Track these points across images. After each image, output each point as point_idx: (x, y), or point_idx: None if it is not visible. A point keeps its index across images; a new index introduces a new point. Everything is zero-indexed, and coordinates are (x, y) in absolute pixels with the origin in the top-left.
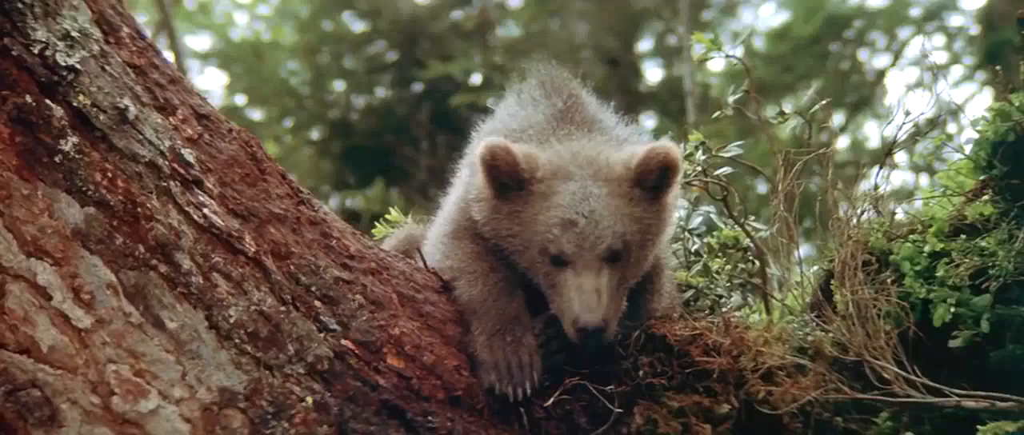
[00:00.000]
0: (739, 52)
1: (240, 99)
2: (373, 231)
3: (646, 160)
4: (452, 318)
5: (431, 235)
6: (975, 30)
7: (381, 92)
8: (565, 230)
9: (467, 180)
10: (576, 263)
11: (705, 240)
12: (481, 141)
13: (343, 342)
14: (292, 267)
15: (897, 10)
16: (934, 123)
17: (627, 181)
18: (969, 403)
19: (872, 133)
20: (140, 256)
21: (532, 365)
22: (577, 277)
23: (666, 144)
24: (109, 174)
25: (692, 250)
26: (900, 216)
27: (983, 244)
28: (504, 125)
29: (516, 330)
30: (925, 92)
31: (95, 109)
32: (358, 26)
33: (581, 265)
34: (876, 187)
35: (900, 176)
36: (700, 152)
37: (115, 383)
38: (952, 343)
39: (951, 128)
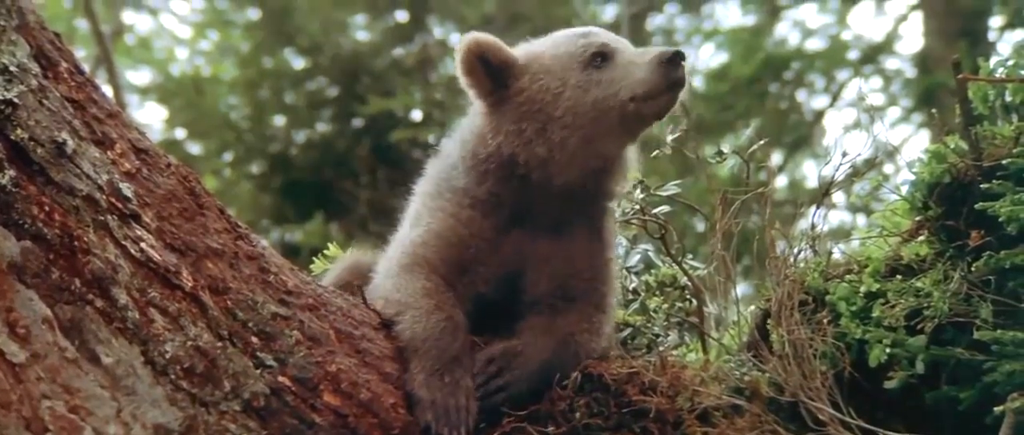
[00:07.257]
0: None
1: (180, 133)
2: (311, 266)
3: None
4: (390, 355)
5: (381, 268)
6: (912, 73)
7: (322, 127)
8: (588, 35)
9: (418, 211)
10: (617, 46)
11: (643, 278)
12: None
13: (279, 379)
14: (229, 302)
15: (835, 52)
16: (871, 164)
17: None
18: None
19: (810, 173)
20: (76, 290)
21: (468, 409)
22: (624, 54)
23: None
24: (46, 208)
25: (630, 288)
26: (837, 256)
27: (919, 285)
28: (472, 133)
29: (455, 372)
30: (862, 133)
31: (33, 143)
32: (299, 62)
33: (622, 47)
34: (813, 227)
35: (837, 216)
36: (638, 190)
37: (49, 420)
38: (887, 384)
39: (888, 169)
